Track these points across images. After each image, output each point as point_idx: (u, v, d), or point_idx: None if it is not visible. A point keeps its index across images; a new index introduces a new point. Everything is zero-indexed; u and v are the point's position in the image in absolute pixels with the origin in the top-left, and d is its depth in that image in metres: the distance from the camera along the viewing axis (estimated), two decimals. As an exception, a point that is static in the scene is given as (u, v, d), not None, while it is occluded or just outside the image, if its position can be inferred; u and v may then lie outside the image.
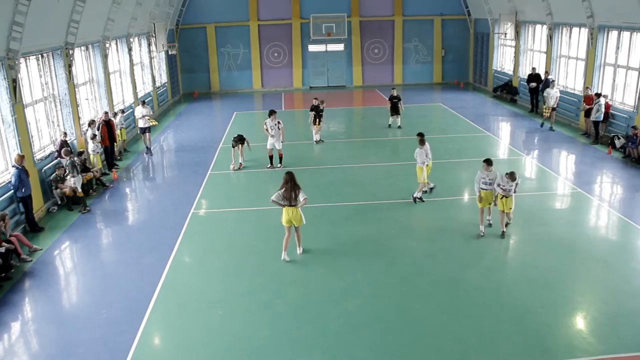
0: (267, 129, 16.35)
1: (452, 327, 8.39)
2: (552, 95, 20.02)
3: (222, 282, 10.02)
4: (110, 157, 17.40)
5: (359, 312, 8.88)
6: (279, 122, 16.38)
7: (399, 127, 21.14)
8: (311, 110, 19.30)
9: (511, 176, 11.02)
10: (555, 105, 20.16)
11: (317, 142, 19.43)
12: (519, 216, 12.17)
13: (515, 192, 11.20)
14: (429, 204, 13.30)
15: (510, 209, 11.27)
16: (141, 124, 19.05)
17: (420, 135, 13.40)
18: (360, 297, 9.35)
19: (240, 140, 16.80)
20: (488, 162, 11.40)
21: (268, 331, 8.45)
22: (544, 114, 20.70)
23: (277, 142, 16.46)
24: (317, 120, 19.12)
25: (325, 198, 13.80)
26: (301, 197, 10.20)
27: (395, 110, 20.90)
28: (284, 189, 10.21)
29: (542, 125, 20.90)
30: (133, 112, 21.05)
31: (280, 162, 16.77)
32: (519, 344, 7.91)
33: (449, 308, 8.94)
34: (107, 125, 17.19)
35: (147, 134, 19.17)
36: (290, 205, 10.22)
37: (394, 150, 19.06)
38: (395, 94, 20.79)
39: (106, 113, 17.70)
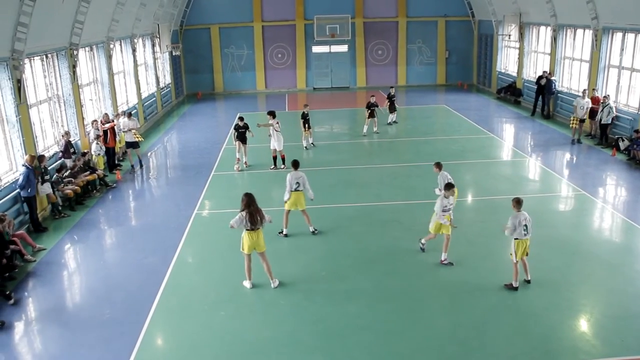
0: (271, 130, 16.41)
1: (455, 330, 8.37)
2: (582, 105, 18.60)
3: (225, 283, 10.02)
4: (112, 159, 17.45)
5: (361, 314, 8.86)
6: (276, 123, 16.40)
7: (393, 122, 22.28)
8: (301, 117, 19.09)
9: (517, 203, 9.28)
10: (584, 117, 18.70)
11: (306, 147, 19.03)
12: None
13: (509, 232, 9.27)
14: (431, 205, 13.24)
15: (511, 254, 9.43)
16: (127, 138, 17.33)
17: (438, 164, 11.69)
18: (362, 299, 9.33)
19: (242, 128, 16.68)
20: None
21: (270, 332, 8.46)
22: (572, 126, 19.07)
23: (276, 143, 16.50)
24: (307, 125, 18.89)
25: (328, 199, 13.79)
26: (266, 217, 9.46)
27: (392, 108, 22.04)
28: (245, 212, 9.23)
29: (579, 141, 18.93)
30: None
31: (284, 163, 16.77)
32: (521, 346, 7.89)
33: (451, 310, 8.94)
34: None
35: (135, 149, 17.52)
36: (255, 229, 9.37)
37: (397, 151, 19.03)
38: (392, 93, 21.99)
39: (106, 115, 17.73)
